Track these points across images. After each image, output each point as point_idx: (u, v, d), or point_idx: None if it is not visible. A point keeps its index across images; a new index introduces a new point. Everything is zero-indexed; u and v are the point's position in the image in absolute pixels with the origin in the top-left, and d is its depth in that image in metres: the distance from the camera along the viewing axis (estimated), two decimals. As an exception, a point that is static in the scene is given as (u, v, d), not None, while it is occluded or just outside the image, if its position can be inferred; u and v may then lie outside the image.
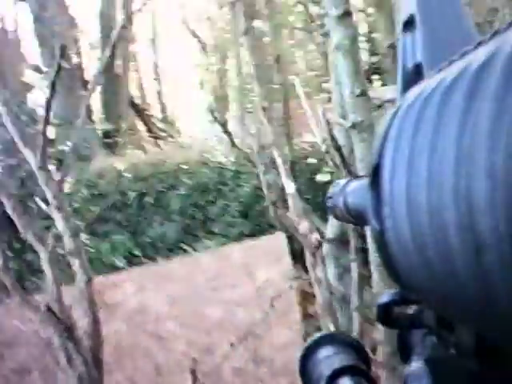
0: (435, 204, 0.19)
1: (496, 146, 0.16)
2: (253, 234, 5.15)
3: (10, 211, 1.18)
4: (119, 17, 9.80)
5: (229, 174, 5.58)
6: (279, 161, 2.24)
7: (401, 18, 0.36)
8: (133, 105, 11.40)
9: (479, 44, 0.20)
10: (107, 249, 5.84)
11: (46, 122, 1.56)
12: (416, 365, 0.31)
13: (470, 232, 0.18)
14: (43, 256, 1.22)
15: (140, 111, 11.95)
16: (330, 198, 0.44)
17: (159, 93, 14.99)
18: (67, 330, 1.13)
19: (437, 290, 0.22)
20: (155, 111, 13.95)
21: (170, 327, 2.12)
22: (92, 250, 5.51)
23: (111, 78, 9.50)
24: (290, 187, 1.79)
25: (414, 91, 0.25)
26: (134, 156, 7.43)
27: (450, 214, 0.18)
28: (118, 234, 6.10)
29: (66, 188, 6.60)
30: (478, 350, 0.25)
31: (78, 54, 9.69)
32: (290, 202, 1.77)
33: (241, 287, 2.13)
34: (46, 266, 1.22)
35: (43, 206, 1.27)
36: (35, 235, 1.23)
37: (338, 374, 0.39)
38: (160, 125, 12.46)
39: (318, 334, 0.44)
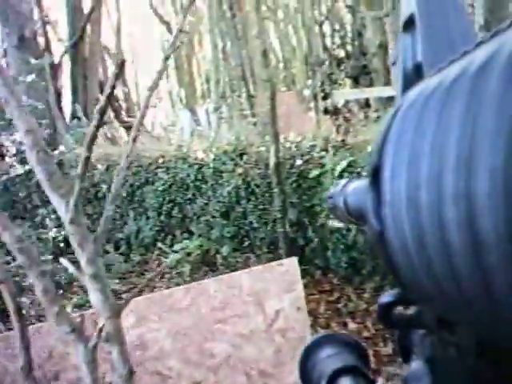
0: (435, 204, 0.19)
1: (496, 146, 0.16)
2: (234, 237, 4.94)
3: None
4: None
5: (208, 171, 5.25)
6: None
7: (401, 17, 0.36)
8: (102, 91, 10.92)
9: (479, 44, 0.20)
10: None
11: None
12: (416, 365, 0.31)
13: (470, 232, 0.18)
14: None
15: (110, 98, 11.49)
16: (330, 197, 0.44)
17: (124, 79, 14.57)
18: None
19: (437, 289, 0.22)
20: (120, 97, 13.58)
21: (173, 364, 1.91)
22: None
23: (79, 61, 9.11)
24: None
25: (414, 91, 0.25)
26: (106, 146, 7.07)
27: (450, 214, 0.18)
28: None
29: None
30: (478, 350, 0.25)
31: (46, 37, 9.20)
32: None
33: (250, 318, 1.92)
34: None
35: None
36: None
37: (338, 374, 0.39)
38: (127, 112, 11.95)
39: (318, 334, 0.44)
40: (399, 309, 0.33)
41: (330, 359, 0.41)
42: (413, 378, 0.31)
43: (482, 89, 0.18)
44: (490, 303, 0.18)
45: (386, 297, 0.33)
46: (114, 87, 1.24)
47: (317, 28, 11.21)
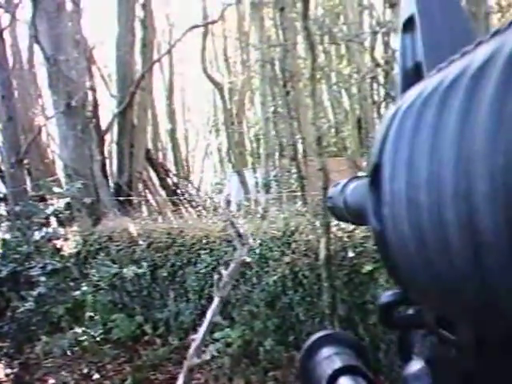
0: (435, 204, 0.19)
1: (496, 147, 0.16)
2: (279, 329, 4.43)
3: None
4: (138, 65, 9.08)
5: (253, 256, 4.70)
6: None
7: (401, 18, 0.36)
8: (149, 158, 10.00)
9: (479, 44, 0.20)
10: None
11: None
12: (416, 365, 0.31)
13: (469, 232, 0.18)
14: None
15: (157, 166, 10.53)
16: (330, 198, 0.44)
17: (175, 146, 14.33)
18: None
19: (437, 289, 0.22)
20: (170, 164, 13.11)
21: None
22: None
23: (127, 129, 8.60)
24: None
25: (414, 91, 0.25)
26: (149, 219, 6.68)
27: (449, 214, 0.18)
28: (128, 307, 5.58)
29: (72, 247, 5.89)
30: (478, 350, 0.25)
31: (95, 103, 8.61)
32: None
33: None
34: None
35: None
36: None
37: (338, 373, 0.39)
38: (176, 180, 11.25)
39: (318, 334, 0.44)
40: (400, 309, 0.33)
41: (330, 359, 0.41)
42: (413, 377, 0.31)
43: (481, 89, 0.18)
44: (489, 302, 0.18)
45: (386, 297, 0.33)
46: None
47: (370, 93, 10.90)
